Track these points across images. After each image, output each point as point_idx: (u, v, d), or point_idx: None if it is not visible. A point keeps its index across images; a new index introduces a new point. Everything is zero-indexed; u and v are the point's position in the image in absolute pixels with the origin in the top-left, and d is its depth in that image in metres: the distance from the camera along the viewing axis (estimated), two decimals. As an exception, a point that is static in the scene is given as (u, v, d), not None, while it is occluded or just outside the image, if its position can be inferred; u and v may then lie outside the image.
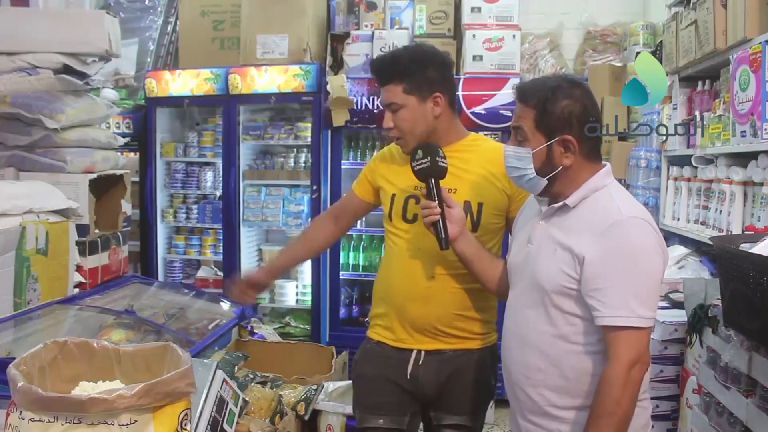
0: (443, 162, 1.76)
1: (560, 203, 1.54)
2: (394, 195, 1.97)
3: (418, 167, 1.76)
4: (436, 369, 1.92)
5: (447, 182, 1.82)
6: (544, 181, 1.53)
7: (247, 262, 4.39)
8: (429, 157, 1.75)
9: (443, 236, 1.73)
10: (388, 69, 1.91)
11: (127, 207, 3.49)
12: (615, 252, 1.42)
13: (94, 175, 3.16)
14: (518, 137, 1.55)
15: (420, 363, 1.93)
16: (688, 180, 3.15)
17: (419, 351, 1.92)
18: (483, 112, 3.83)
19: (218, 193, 4.45)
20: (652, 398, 2.58)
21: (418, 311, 1.90)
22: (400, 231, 1.96)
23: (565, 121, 1.49)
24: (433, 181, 1.76)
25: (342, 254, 4.12)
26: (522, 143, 1.54)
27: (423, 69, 1.89)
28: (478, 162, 1.92)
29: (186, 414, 1.23)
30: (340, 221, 2.17)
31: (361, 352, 2.05)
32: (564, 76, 1.65)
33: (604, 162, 1.58)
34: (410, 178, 1.84)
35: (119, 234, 3.40)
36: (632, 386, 1.42)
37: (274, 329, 3.93)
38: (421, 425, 2.06)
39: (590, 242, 1.45)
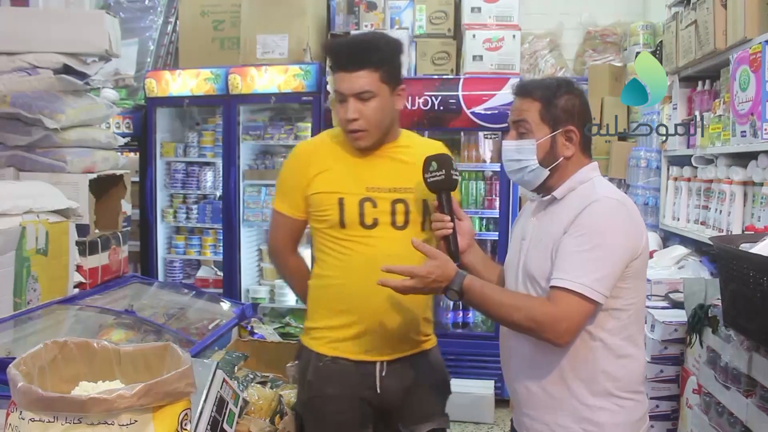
0: (456, 175, 1.69)
1: (549, 196, 1.59)
2: (342, 199, 1.79)
3: (431, 179, 1.68)
4: (400, 375, 1.86)
5: (402, 182, 1.79)
6: (546, 172, 1.57)
7: (247, 262, 4.38)
8: (444, 170, 1.66)
9: (453, 249, 1.67)
10: (365, 53, 1.73)
11: (127, 207, 3.48)
12: (580, 226, 1.47)
13: (94, 175, 3.15)
14: (520, 130, 1.58)
15: (384, 374, 1.85)
16: (688, 180, 3.14)
17: (382, 362, 1.84)
18: (483, 112, 3.83)
19: (218, 193, 4.45)
20: (652, 398, 2.60)
21: (391, 320, 1.80)
22: (357, 237, 1.80)
23: (569, 112, 1.55)
24: (444, 194, 1.68)
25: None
26: (524, 135, 1.57)
27: (396, 57, 1.77)
28: (417, 159, 1.76)
29: (186, 414, 1.22)
30: (298, 251, 2.00)
31: (314, 371, 1.86)
32: (561, 77, 1.69)
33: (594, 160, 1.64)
34: (359, 179, 1.75)
35: (119, 234, 3.39)
36: (534, 331, 1.44)
37: (274, 329, 3.92)
38: None
39: (568, 223, 1.49)
